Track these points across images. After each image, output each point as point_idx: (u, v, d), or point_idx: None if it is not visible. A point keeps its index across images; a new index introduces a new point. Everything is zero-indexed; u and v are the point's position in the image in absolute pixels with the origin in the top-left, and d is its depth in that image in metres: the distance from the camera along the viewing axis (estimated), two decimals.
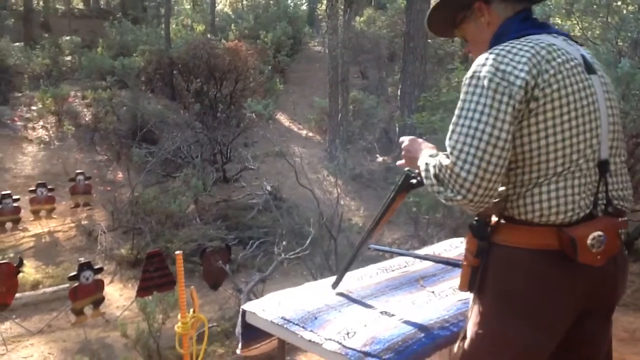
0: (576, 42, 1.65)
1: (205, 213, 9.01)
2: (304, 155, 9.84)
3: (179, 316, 2.19)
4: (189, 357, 2.17)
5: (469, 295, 1.67)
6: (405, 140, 1.84)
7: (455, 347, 1.68)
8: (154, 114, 11.53)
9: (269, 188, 9.47)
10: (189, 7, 23.93)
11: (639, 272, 4.87)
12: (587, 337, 1.62)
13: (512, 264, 1.53)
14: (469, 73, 1.52)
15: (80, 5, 23.65)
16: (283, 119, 14.66)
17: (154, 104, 12.21)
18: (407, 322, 1.92)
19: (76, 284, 5.55)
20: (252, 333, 2.14)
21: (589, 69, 1.57)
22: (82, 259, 6.13)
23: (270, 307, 2.09)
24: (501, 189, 1.56)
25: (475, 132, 1.45)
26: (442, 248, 2.82)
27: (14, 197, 8.18)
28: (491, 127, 1.44)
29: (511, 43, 1.52)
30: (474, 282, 1.59)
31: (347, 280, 2.32)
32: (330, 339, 1.82)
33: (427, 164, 1.58)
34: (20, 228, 8.22)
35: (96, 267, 5.85)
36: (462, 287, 1.64)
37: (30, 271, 7.05)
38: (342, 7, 13.45)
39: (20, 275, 6.00)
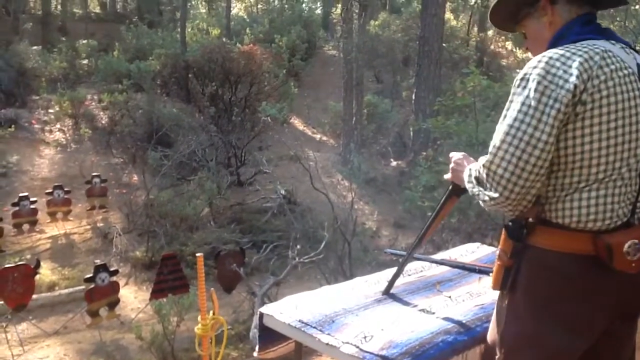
0: (636, 51, 1.62)
1: (220, 216, 9.04)
2: (318, 159, 9.83)
3: (198, 318, 2.20)
4: (207, 359, 2.18)
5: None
6: (455, 155, 1.87)
7: (478, 350, 1.68)
8: (169, 117, 11.61)
9: (283, 192, 9.48)
10: (204, 11, 24.11)
11: None
12: (613, 341, 1.64)
13: (546, 267, 1.54)
14: (520, 74, 1.52)
15: (97, 9, 23.93)
16: (297, 122, 14.68)
17: (170, 108, 12.31)
18: (424, 327, 1.91)
19: (92, 286, 5.61)
20: (269, 336, 2.15)
21: None
22: (98, 261, 6.21)
23: (288, 310, 2.09)
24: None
25: (517, 132, 1.46)
26: (459, 253, 2.80)
27: (31, 199, 8.28)
28: (533, 128, 1.44)
29: (566, 47, 1.51)
30: (507, 282, 1.61)
31: (363, 284, 2.33)
32: (348, 343, 1.82)
33: (470, 169, 1.63)
34: (37, 230, 8.32)
35: (112, 269, 5.91)
36: (494, 286, 1.66)
37: (46, 273, 7.13)
38: (357, 11, 13.46)
39: (37, 276, 6.08)
